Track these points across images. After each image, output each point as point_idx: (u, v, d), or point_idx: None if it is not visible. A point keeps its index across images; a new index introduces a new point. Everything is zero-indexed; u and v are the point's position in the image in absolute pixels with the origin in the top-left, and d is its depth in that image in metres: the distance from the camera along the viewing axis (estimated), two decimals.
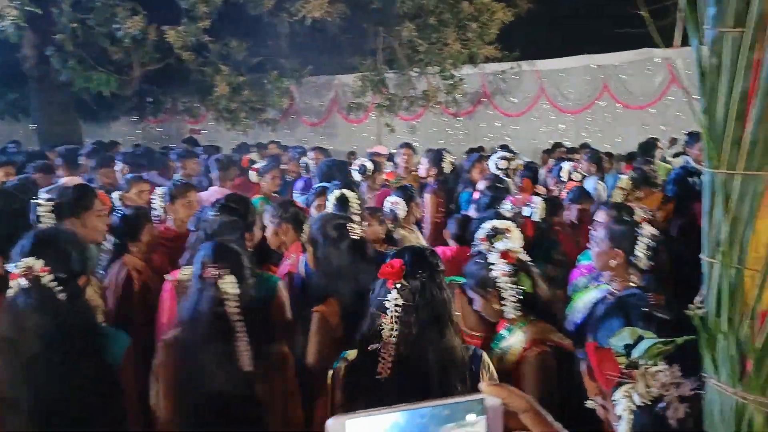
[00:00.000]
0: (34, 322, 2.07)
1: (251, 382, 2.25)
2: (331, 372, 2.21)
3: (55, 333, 2.09)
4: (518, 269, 2.57)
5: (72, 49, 9.55)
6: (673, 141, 10.10)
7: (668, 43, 10.89)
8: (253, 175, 6.01)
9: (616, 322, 1.30)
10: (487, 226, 3.44)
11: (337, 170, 5.23)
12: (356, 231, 2.86)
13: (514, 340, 2.51)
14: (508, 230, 3.43)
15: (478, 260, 2.67)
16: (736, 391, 1.21)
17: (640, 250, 3.06)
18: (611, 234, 3.10)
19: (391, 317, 2.06)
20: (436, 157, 6.09)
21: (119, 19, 9.39)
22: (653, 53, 10.75)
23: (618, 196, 4.93)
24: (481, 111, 12.63)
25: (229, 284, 2.26)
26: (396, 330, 2.05)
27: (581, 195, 4.75)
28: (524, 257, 2.67)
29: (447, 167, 5.97)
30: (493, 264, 2.57)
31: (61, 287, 2.15)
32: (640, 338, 1.24)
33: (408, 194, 4.69)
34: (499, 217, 3.63)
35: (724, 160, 1.17)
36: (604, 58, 11.62)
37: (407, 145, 7.13)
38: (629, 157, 8.57)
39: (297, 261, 3.35)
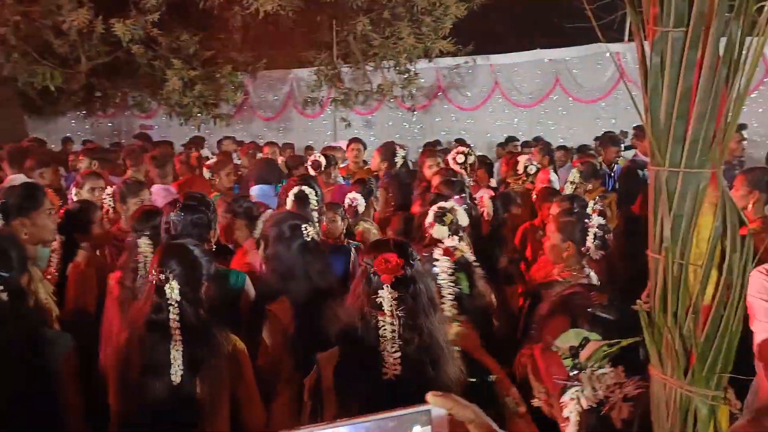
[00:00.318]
0: None
1: (195, 387, 2.21)
2: (312, 378, 2.14)
3: None
4: (457, 268, 2.56)
5: (15, 42, 9.23)
6: (624, 134, 10.31)
7: (618, 38, 11.09)
8: (206, 172, 5.91)
9: (561, 323, 1.31)
10: (434, 208, 3.42)
11: (268, 172, 5.16)
12: (309, 232, 2.82)
13: None
14: (454, 209, 3.43)
15: (424, 254, 2.67)
16: (681, 384, 1.23)
17: (590, 241, 3.12)
18: (561, 226, 3.15)
19: (391, 313, 2.00)
20: (388, 150, 6.06)
21: (64, 12, 9.11)
22: (603, 48, 10.95)
23: (568, 190, 5.01)
24: (436, 105, 12.66)
25: (174, 290, 2.21)
26: (397, 325, 1.99)
27: (550, 194, 4.79)
28: (469, 257, 2.67)
29: (399, 161, 5.95)
30: (436, 260, 2.57)
31: (2, 286, 2.15)
32: (586, 340, 1.24)
33: (367, 188, 4.69)
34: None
35: (667, 158, 1.19)
36: (556, 52, 11.78)
37: (356, 140, 7.10)
38: (580, 150, 8.74)
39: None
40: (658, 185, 1.22)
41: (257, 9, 9.59)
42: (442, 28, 11.03)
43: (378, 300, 2.01)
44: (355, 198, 4.47)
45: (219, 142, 10.25)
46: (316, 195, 3.89)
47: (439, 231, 3.31)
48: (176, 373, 2.18)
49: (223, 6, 9.89)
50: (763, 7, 1.15)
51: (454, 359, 2.09)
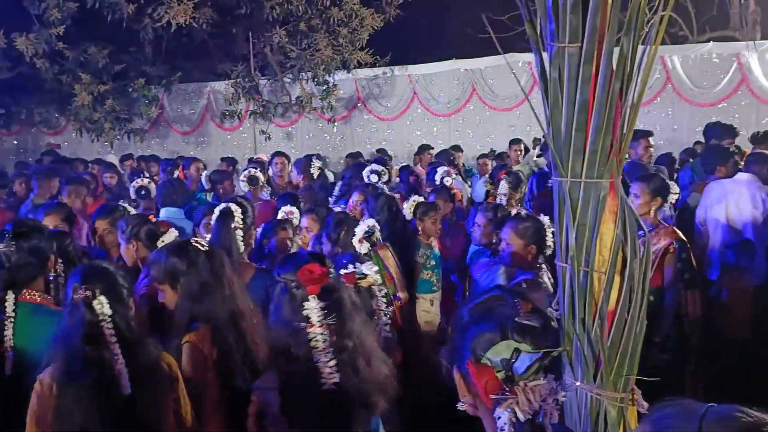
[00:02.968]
0: None
1: (136, 404, 2.13)
2: (254, 408, 2.08)
3: None
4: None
5: None
6: (537, 141, 10.62)
7: (530, 47, 11.41)
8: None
9: (490, 335, 1.31)
10: (364, 226, 3.52)
11: (176, 193, 5.08)
12: (202, 243, 2.66)
13: None
14: (375, 226, 3.60)
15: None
16: (591, 388, 1.27)
17: (550, 240, 3.44)
18: (521, 232, 3.36)
19: (320, 323, 2.00)
20: (305, 164, 6.06)
21: None
22: (517, 57, 11.26)
23: (502, 201, 5.13)
24: (356, 116, 12.70)
25: (104, 304, 2.13)
26: (327, 334, 2.00)
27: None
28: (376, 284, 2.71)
29: (315, 173, 5.96)
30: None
31: None
32: (517, 351, 1.26)
33: (299, 202, 4.73)
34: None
35: (569, 169, 1.23)
36: (471, 62, 12.03)
37: (280, 154, 7.04)
38: (498, 157, 8.96)
39: None
40: (562, 195, 1.26)
41: (169, 21, 9.35)
42: (359, 40, 11.08)
43: (305, 312, 2.01)
44: (291, 212, 4.39)
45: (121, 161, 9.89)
46: (244, 212, 3.70)
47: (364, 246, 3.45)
48: (125, 386, 2.09)
49: (132, 18, 9.56)
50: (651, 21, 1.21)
51: (384, 359, 2.14)
